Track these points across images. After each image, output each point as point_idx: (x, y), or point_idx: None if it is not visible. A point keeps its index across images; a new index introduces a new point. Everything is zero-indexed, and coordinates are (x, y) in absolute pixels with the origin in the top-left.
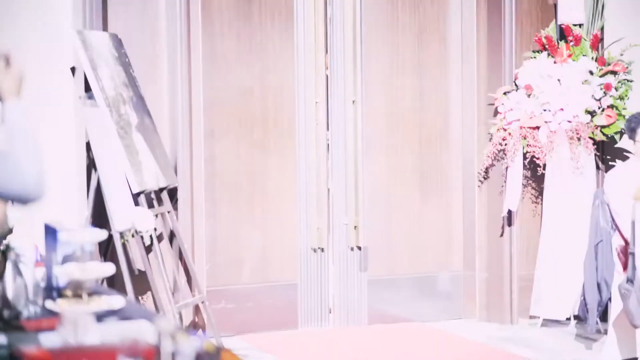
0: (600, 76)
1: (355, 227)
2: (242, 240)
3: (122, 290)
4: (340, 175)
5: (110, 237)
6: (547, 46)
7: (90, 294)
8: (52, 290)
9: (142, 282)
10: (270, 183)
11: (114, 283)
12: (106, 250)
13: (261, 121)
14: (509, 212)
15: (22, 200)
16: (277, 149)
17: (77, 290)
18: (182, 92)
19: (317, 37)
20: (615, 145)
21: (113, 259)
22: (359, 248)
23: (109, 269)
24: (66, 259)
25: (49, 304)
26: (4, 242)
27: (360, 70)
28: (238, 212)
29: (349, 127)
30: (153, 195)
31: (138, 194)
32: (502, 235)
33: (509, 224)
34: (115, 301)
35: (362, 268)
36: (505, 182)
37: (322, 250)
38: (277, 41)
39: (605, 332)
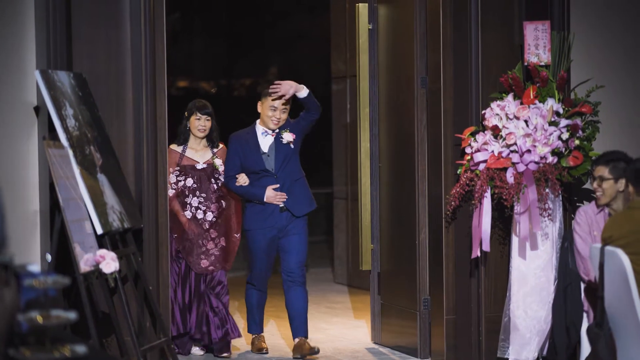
0: (567, 117)
1: None
2: None
3: (86, 333)
4: None
5: (75, 279)
6: (513, 87)
7: (53, 341)
8: (14, 337)
9: (106, 325)
10: None
11: (78, 325)
12: (70, 292)
13: None
14: (481, 252)
15: None
16: None
17: (40, 337)
18: (147, 132)
19: None
20: (583, 187)
21: (77, 301)
22: None
23: (72, 315)
24: (29, 305)
25: (11, 352)
26: None
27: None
28: None
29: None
30: (118, 237)
31: (102, 236)
32: (469, 276)
33: (477, 265)
34: (78, 349)
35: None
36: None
37: None
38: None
39: None
